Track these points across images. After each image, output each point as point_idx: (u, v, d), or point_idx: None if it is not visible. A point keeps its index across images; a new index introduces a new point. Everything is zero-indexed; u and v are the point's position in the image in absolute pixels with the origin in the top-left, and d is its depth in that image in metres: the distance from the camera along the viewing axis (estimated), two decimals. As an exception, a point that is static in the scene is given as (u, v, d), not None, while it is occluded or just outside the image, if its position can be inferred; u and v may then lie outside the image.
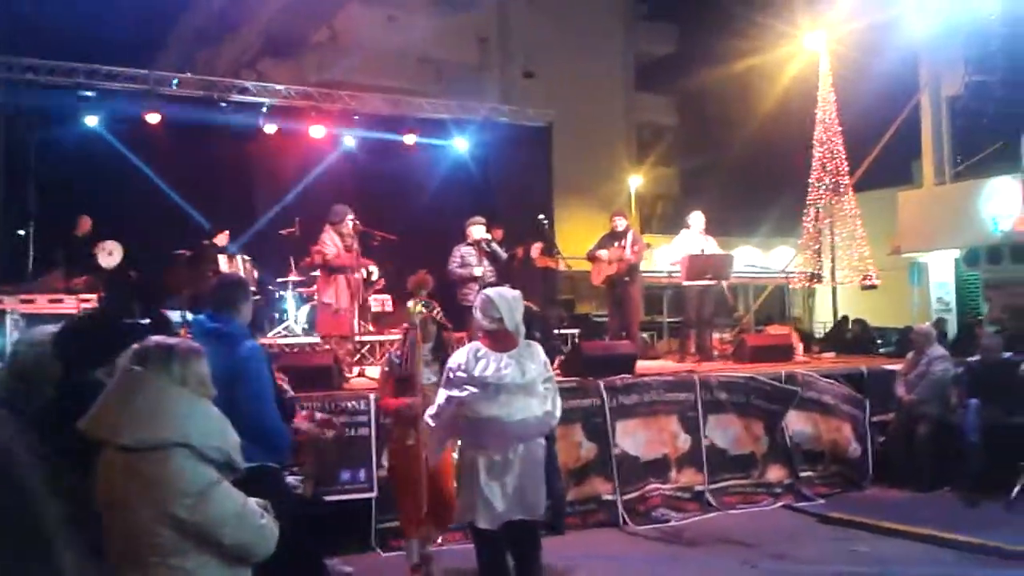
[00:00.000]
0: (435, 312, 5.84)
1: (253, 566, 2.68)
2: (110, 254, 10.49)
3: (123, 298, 10.39)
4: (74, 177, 11.53)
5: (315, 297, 9.98)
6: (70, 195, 11.40)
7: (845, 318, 14.97)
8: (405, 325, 5.71)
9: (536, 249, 10.98)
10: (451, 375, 4.56)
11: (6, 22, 9.39)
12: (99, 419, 2.47)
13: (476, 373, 4.45)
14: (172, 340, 2.63)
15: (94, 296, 9.38)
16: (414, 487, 5.41)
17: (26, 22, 10.53)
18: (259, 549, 2.56)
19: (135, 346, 2.60)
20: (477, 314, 4.66)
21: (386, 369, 5.89)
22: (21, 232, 10.82)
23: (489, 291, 4.75)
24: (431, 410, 4.67)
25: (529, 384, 4.46)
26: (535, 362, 4.54)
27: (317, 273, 9.37)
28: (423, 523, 5.60)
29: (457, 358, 4.60)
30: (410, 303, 5.67)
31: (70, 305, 8.83)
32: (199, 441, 2.42)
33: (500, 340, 4.54)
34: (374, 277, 9.50)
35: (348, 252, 8.83)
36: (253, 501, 2.58)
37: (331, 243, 8.82)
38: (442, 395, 4.60)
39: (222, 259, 10.41)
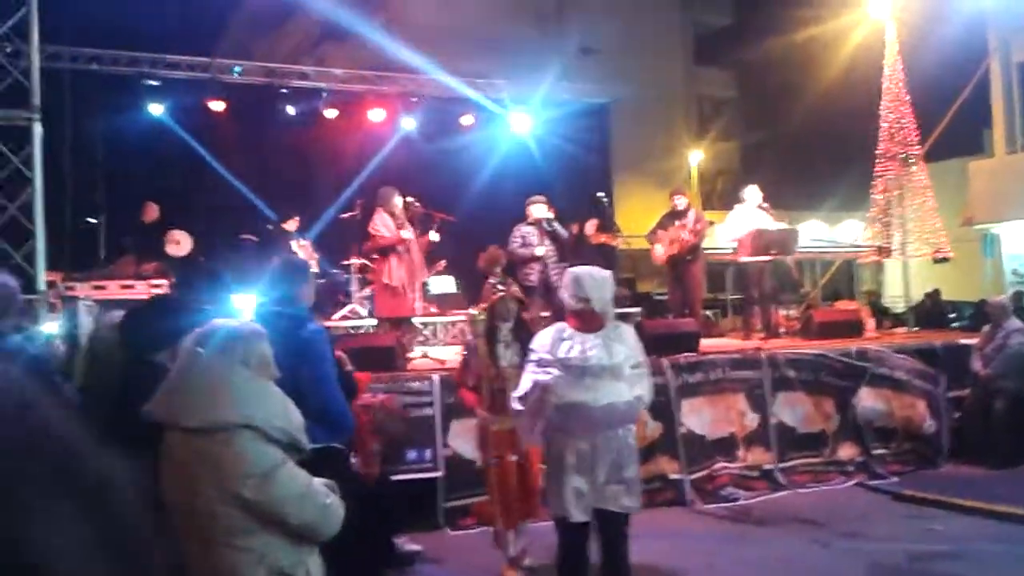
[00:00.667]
0: (512, 288, 5.71)
1: (320, 545, 2.70)
2: (178, 243, 10.71)
3: (194, 284, 10.62)
4: (141, 166, 11.79)
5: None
6: (137, 183, 11.66)
7: (930, 292, 14.54)
8: (468, 337, 5.59)
9: (591, 226, 10.86)
10: (535, 357, 4.34)
11: (69, 14, 9.57)
12: (163, 402, 2.49)
13: (560, 355, 4.23)
14: (235, 322, 2.64)
15: (164, 282, 9.58)
16: (510, 483, 5.33)
17: (88, 13, 10.72)
18: (324, 528, 2.57)
19: (198, 329, 2.62)
20: (563, 293, 4.47)
21: (465, 353, 5.71)
22: (92, 220, 11.09)
23: (576, 270, 4.51)
24: (517, 393, 4.46)
25: (616, 367, 4.18)
26: (623, 344, 4.28)
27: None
28: (520, 514, 5.46)
29: (541, 339, 4.38)
30: (473, 310, 5.56)
31: (141, 291, 9.02)
32: (263, 422, 2.43)
33: (587, 321, 4.29)
34: (433, 236, 9.35)
35: (401, 230, 8.82)
36: (318, 481, 2.58)
37: (383, 225, 8.84)
38: (527, 379, 4.37)
39: (293, 245, 10.57)
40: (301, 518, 2.48)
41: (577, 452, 4.22)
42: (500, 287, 5.46)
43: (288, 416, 2.52)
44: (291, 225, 10.93)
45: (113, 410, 2.74)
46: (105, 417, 2.83)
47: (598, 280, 4.35)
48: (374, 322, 10.51)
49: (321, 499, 2.54)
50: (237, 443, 2.39)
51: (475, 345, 5.52)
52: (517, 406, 4.46)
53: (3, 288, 3.64)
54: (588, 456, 4.21)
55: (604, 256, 11.34)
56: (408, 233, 8.71)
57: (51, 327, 7.26)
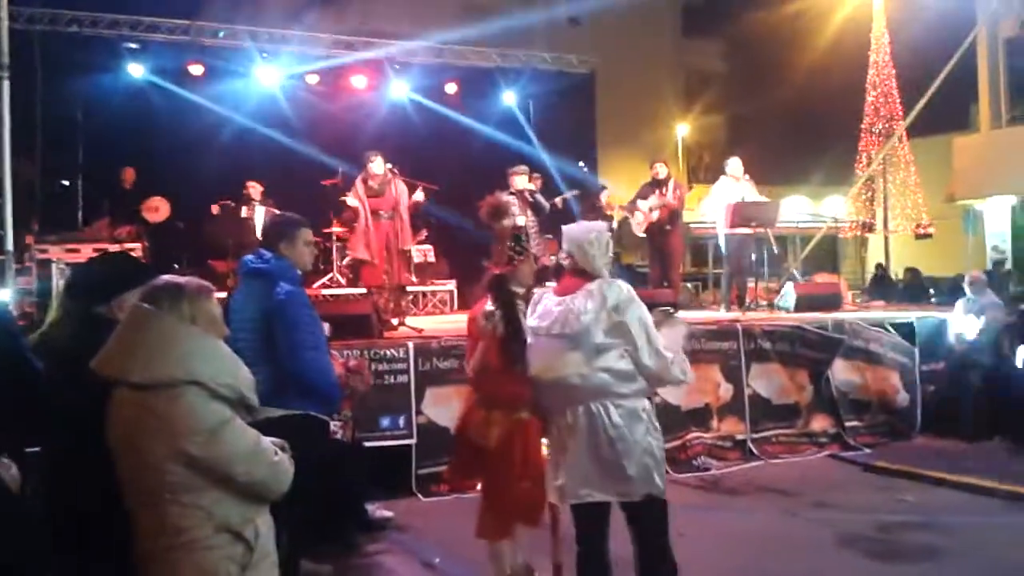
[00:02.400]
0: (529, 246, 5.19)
1: (280, 505, 2.69)
2: (156, 210, 10.65)
3: (168, 248, 10.57)
4: (120, 129, 11.67)
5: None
6: (116, 147, 11.54)
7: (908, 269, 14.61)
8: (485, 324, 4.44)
9: (606, 195, 10.83)
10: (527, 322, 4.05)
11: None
12: (110, 358, 2.46)
13: (530, 321, 3.95)
14: (182, 279, 2.60)
15: (138, 245, 9.52)
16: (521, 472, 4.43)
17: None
18: (274, 486, 2.55)
19: (146, 285, 2.59)
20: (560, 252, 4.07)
21: (482, 325, 4.47)
22: (66, 183, 10.98)
23: (568, 225, 4.07)
24: None
25: (576, 334, 3.64)
26: (596, 304, 3.65)
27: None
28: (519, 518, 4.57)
29: (532, 300, 4.08)
30: (486, 308, 4.45)
31: (115, 255, 8.95)
32: (209, 379, 2.40)
33: (565, 279, 3.89)
34: (417, 196, 9.22)
35: (377, 197, 8.75)
36: (268, 440, 2.57)
37: (353, 196, 8.78)
38: None
39: (260, 210, 10.48)
40: (249, 476, 2.45)
41: (556, 429, 3.83)
42: (517, 251, 4.59)
43: (236, 373, 2.50)
44: (254, 190, 10.84)
45: (64, 363, 2.71)
46: (57, 369, 2.81)
47: (577, 231, 3.92)
48: (355, 290, 10.50)
49: (269, 456, 2.52)
50: (183, 400, 2.37)
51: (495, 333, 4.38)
52: None
53: None
54: (563, 434, 3.78)
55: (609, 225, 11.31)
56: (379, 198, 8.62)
57: (23, 285, 7.23)
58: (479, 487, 4.88)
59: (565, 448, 3.74)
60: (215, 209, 10.66)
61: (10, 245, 6.94)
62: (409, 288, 10.89)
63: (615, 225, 10.93)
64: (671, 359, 3.70)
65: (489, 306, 4.46)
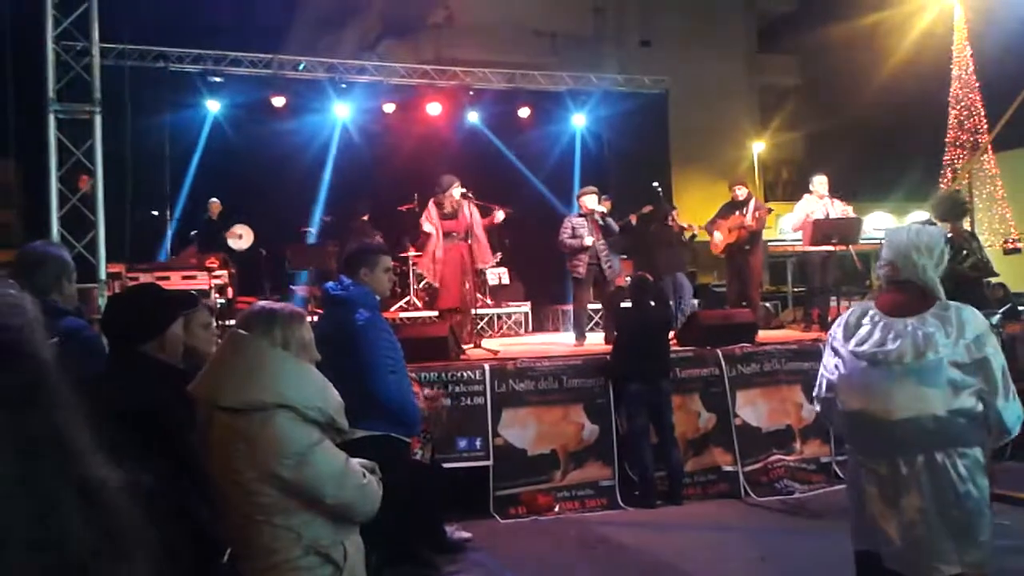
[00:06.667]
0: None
1: (371, 530, 2.75)
2: (240, 237, 10.99)
3: (253, 276, 10.89)
4: (204, 160, 12.12)
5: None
6: (201, 177, 11.99)
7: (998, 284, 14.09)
8: None
9: (675, 215, 10.78)
10: (830, 341, 3.31)
11: (136, 12, 9.86)
12: (204, 381, 2.56)
13: (852, 344, 3.13)
14: (276, 305, 2.70)
15: (225, 273, 9.83)
16: None
17: (153, 12, 11.03)
18: (362, 508, 2.61)
19: (244, 310, 2.69)
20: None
21: None
22: (155, 212, 11.41)
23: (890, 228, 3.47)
24: (815, 391, 3.43)
25: (926, 367, 2.93)
26: (952, 332, 2.95)
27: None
28: None
29: (841, 318, 3.31)
30: None
31: (202, 281, 9.27)
32: (299, 402, 2.47)
33: (893, 296, 3.12)
34: (498, 216, 9.40)
35: (450, 220, 8.87)
36: (357, 462, 2.63)
37: (427, 221, 8.93)
38: (821, 370, 3.35)
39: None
40: (338, 498, 2.52)
41: (877, 478, 3.09)
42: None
43: (325, 397, 2.56)
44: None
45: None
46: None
47: (905, 237, 3.13)
48: (431, 313, 10.64)
49: (358, 479, 2.58)
50: (274, 423, 2.44)
51: None
52: (816, 406, 3.51)
53: (43, 255, 3.57)
54: (890, 485, 3.05)
55: (679, 243, 11.19)
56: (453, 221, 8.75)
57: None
58: (556, 510, 4.89)
59: (894, 503, 3.03)
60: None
61: (103, 274, 7.23)
62: (483, 311, 10.99)
63: (685, 238, 10.79)
64: (1022, 408, 3.01)
65: None
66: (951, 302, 3.04)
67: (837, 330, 3.25)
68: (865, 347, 3.07)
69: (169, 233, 11.67)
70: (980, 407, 2.95)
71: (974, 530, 2.94)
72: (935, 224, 3.02)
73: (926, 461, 2.95)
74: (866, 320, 3.13)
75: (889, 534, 3.05)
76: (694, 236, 10.92)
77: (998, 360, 2.95)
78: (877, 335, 3.06)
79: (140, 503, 0.97)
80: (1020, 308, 12.78)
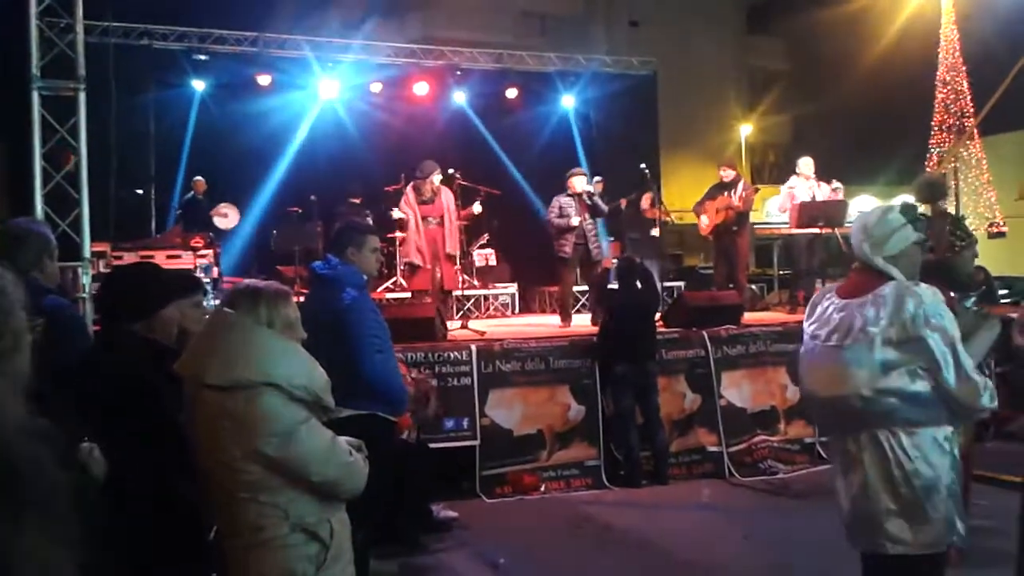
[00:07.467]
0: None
1: (355, 508, 2.75)
2: (226, 216, 10.93)
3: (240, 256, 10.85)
4: (189, 138, 12.03)
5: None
6: (186, 156, 11.90)
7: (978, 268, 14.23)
8: None
9: (646, 199, 10.80)
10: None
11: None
12: (190, 359, 2.55)
13: (806, 324, 3.23)
14: (261, 283, 2.68)
15: (210, 252, 9.77)
16: None
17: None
18: (348, 485, 2.61)
19: (230, 288, 2.68)
20: None
21: None
22: (140, 191, 11.33)
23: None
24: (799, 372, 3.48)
25: (853, 347, 2.93)
26: (886, 314, 2.91)
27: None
28: None
29: (811, 300, 3.35)
30: None
31: (187, 261, 9.22)
32: (285, 381, 2.46)
33: (851, 279, 3.17)
34: (476, 208, 9.54)
35: (427, 205, 8.86)
36: (343, 439, 2.63)
37: (404, 203, 8.95)
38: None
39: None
40: (324, 475, 2.52)
41: (835, 453, 3.20)
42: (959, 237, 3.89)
43: (312, 376, 2.56)
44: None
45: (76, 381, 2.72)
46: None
47: (866, 218, 3.18)
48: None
49: (344, 456, 2.58)
50: (259, 401, 2.43)
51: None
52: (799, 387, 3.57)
53: (25, 232, 3.52)
54: (841, 460, 3.12)
55: (649, 228, 11.28)
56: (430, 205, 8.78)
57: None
58: (542, 490, 4.93)
59: (844, 477, 3.08)
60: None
61: (87, 252, 7.17)
62: (470, 292, 10.99)
63: (655, 232, 10.83)
64: (982, 384, 2.92)
65: None
66: (899, 282, 2.99)
67: (807, 312, 3.31)
68: (813, 328, 3.15)
69: (155, 212, 11.60)
70: (924, 386, 2.90)
71: (926, 508, 2.92)
72: (915, 207, 2.95)
73: (870, 438, 2.97)
74: (825, 302, 3.17)
75: (843, 507, 3.13)
76: (667, 223, 10.94)
77: (943, 337, 2.87)
78: (827, 316, 3.11)
79: (57, 456, 0.95)
80: (999, 291, 12.93)
